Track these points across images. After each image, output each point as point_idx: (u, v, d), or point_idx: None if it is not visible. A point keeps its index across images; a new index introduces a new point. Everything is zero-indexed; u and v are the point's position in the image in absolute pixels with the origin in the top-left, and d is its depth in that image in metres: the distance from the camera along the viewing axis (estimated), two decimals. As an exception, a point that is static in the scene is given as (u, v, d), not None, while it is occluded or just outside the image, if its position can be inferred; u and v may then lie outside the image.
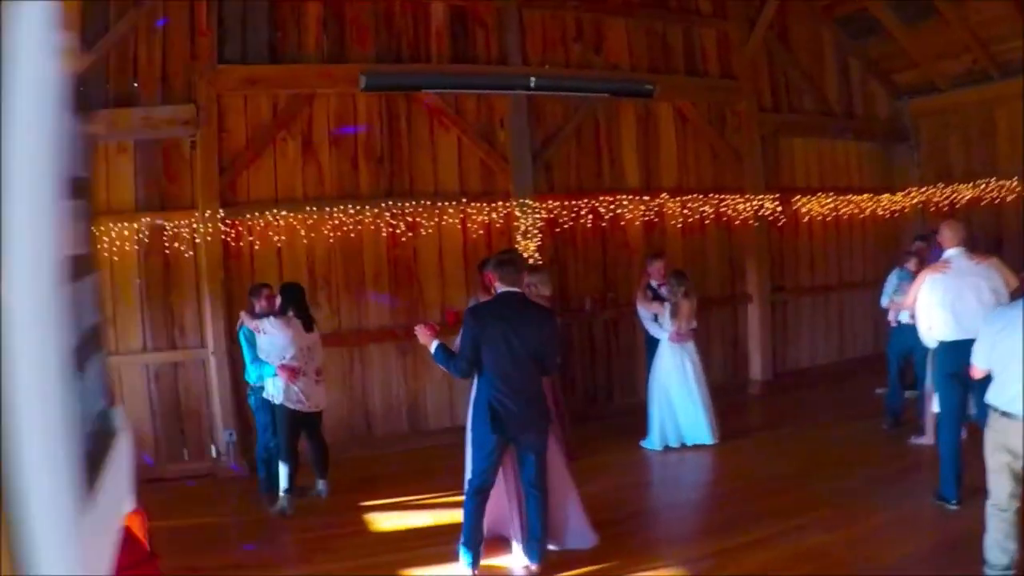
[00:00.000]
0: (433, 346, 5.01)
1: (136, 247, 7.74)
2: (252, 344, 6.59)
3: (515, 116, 8.66)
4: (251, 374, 6.71)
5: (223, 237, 7.78)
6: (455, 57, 8.55)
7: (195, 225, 7.70)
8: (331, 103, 8.15)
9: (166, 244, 7.74)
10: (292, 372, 6.35)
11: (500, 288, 4.94)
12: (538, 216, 8.74)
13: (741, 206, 9.88)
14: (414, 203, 8.29)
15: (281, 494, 6.45)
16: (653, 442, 7.76)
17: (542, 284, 7.10)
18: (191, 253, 7.76)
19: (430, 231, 8.42)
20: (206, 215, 7.68)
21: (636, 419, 8.18)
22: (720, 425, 7.88)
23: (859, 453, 7.28)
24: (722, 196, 9.80)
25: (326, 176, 8.17)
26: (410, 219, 8.33)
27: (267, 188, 8.02)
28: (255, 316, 6.55)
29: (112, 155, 7.75)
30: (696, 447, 7.74)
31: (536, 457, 4.95)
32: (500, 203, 8.61)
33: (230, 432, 7.79)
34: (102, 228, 7.60)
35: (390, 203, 8.22)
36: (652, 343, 8.00)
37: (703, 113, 9.74)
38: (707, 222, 9.78)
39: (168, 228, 7.73)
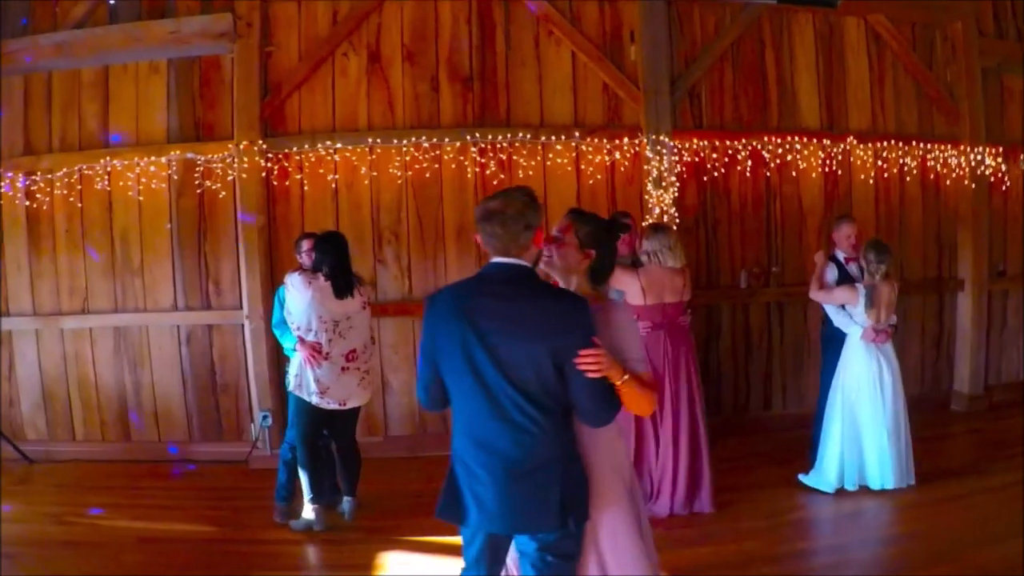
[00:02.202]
0: None
1: (166, 185, 6.25)
2: (283, 306, 5.00)
3: (650, 27, 6.47)
4: (284, 343, 5.13)
5: (264, 174, 6.11)
6: (570, -53, 6.56)
7: (229, 159, 6.07)
8: (405, 8, 6.35)
9: (197, 181, 6.18)
10: (312, 351, 4.67)
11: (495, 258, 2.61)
12: (677, 159, 6.50)
13: (953, 161, 7.16)
14: (511, 136, 6.31)
15: (306, 503, 4.82)
16: (823, 480, 5.28)
17: (667, 252, 5.00)
18: (224, 193, 6.15)
19: (531, 173, 6.39)
20: (242, 146, 6.05)
21: (800, 438, 5.88)
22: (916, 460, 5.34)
23: None
24: (928, 145, 7.13)
25: (397, 100, 6.36)
26: (505, 157, 6.35)
27: (323, 115, 6.33)
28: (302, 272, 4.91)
29: (143, 76, 6.35)
30: (883, 493, 5.17)
31: None
32: (626, 140, 6.45)
33: (265, 414, 6.19)
34: (126, 161, 6.17)
35: (479, 136, 6.29)
36: (832, 340, 5.50)
37: (905, 35, 7.14)
38: (908, 179, 7.15)
39: (200, 162, 6.16)
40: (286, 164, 6.20)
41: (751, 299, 6.83)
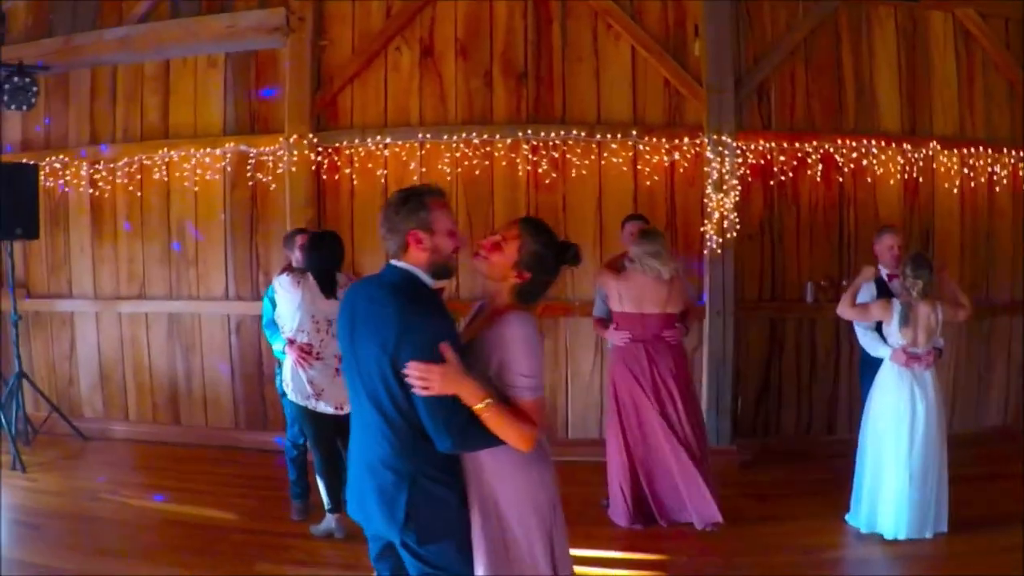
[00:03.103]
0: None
1: (220, 177, 6.35)
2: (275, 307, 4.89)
3: (714, 22, 6.12)
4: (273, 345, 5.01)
5: (313, 167, 6.10)
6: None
7: (280, 152, 6.10)
8: (460, 3, 6.21)
9: (249, 174, 6.24)
10: (301, 351, 4.55)
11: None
12: (741, 161, 6.15)
13: None
14: (565, 134, 6.09)
15: (327, 514, 4.71)
16: (859, 519, 4.82)
17: (647, 259, 4.65)
18: (276, 186, 6.18)
19: (586, 172, 6.16)
20: (292, 140, 6.06)
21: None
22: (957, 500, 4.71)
23: None
24: (1022, 153, 6.52)
25: (449, 96, 6.24)
26: (558, 155, 6.14)
27: (374, 110, 6.28)
28: (287, 271, 4.80)
29: (201, 70, 6.46)
30: (909, 542, 4.58)
31: None
32: (687, 139, 6.14)
33: (305, 407, 6.10)
34: (183, 152, 6.28)
35: (533, 133, 6.09)
36: (870, 364, 4.99)
37: (998, 32, 6.52)
38: (997, 189, 6.56)
39: (252, 155, 6.22)
40: (336, 158, 6.18)
41: (818, 314, 6.38)
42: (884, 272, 5.12)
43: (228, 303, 6.41)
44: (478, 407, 2.28)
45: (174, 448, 6.40)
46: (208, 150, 6.30)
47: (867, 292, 5.00)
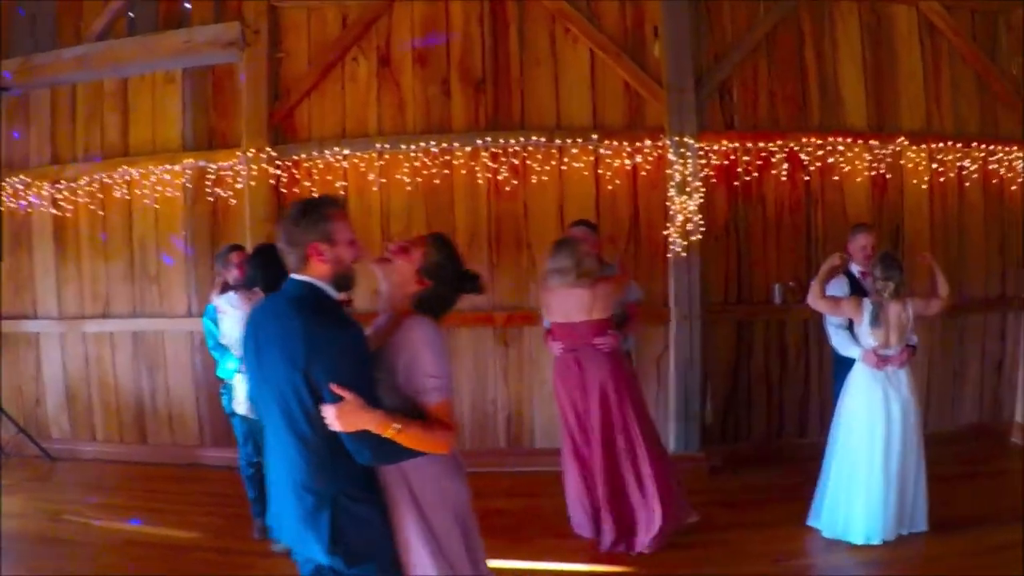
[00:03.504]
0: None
1: (180, 193, 6.33)
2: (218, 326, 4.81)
3: (673, 21, 6.04)
4: (220, 365, 4.86)
5: (273, 181, 6.06)
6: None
7: (239, 167, 6.06)
8: (416, 10, 6.16)
9: (209, 189, 6.20)
10: None
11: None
12: (704, 162, 6.07)
13: (1021, 164, 6.45)
14: (525, 140, 6.02)
15: None
16: (822, 521, 4.73)
17: (557, 276, 4.57)
18: (236, 201, 6.15)
19: (547, 178, 6.09)
20: (249, 154, 6.03)
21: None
22: (933, 500, 4.66)
23: None
24: (992, 146, 6.42)
25: (408, 105, 6.18)
26: (518, 161, 6.08)
27: (332, 121, 6.23)
28: (225, 290, 4.74)
29: (159, 86, 6.44)
30: (883, 546, 4.51)
31: None
32: (648, 142, 6.06)
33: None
34: (142, 170, 6.26)
35: (492, 140, 6.03)
36: (843, 365, 4.90)
37: (963, 24, 6.42)
38: (967, 184, 6.47)
39: (212, 170, 6.18)
40: (295, 172, 6.13)
41: (787, 316, 6.31)
42: (857, 270, 5.05)
43: (191, 320, 6.34)
44: (388, 434, 2.27)
45: (142, 467, 6.36)
46: (167, 167, 6.28)
47: (839, 288, 4.94)
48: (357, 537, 2.36)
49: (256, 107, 6.11)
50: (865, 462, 4.54)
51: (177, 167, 6.27)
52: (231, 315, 4.53)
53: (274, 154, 6.07)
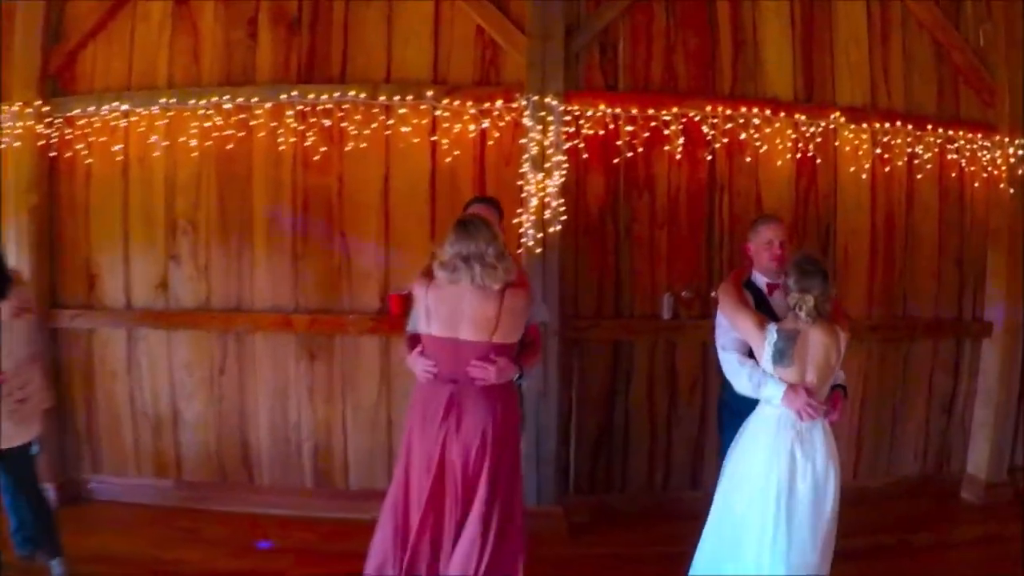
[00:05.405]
0: None
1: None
2: None
3: (544, -51, 4.69)
4: None
5: (41, 143, 4.95)
6: None
7: (7, 123, 4.97)
8: (224, -70, 4.95)
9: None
10: None
11: None
12: (573, 130, 4.66)
13: (986, 155, 5.03)
14: (341, 95, 4.73)
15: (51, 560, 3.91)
16: None
17: (469, 267, 3.16)
18: (-3, 168, 5.08)
19: (367, 144, 4.78)
20: (15, 108, 4.91)
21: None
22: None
23: None
24: (950, 131, 5.00)
25: (205, 51, 4.96)
26: (331, 122, 4.79)
27: (119, 71, 5.05)
28: None
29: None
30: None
31: None
32: (500, 102, 4.70)
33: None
34: None
35: (300, 94, 4.75)
36: (732, 407, 3.54)
37: (919, -18, 4.93)
38: (919, 176, 4.98)
39: (-31, 129, 5.12)
40: (69, 131, 4.99)
41: (679, 335, 4.85)
42: (762, 281, 3.61)
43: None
44: None
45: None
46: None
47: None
48: None
49: (29, 53, 4.99)
50: (753, 552, 3.21)
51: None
52: None
53: (46, 109, 4.94)
